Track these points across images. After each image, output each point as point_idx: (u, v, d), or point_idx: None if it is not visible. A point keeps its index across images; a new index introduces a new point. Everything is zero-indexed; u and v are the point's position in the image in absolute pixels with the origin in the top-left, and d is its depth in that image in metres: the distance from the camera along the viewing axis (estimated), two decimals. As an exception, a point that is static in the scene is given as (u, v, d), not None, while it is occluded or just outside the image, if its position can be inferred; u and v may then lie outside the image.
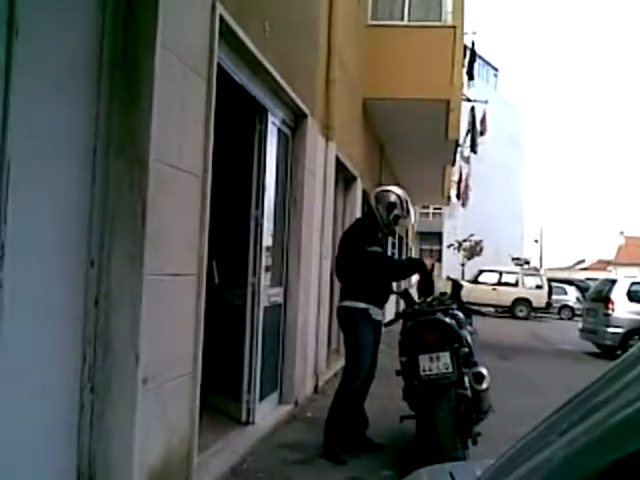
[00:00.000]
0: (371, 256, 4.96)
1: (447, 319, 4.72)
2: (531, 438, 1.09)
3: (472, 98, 18.57)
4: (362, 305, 4.97)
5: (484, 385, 4.56)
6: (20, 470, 2.62)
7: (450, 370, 4.48)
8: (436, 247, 50.76)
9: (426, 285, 5.26)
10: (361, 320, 4.97)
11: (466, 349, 4.61)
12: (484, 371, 4.58)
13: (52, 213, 2.80)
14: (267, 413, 5.79)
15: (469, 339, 4.78)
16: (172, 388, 3.47)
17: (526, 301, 25.13)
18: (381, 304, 5.12)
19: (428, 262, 5.20)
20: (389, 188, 5.44)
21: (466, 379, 4.55)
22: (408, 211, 5.18)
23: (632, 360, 1.02)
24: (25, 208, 2.57)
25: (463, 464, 1.51)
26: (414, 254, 29.68)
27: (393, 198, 5.12)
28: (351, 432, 5.15)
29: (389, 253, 14.37)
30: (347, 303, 5.07)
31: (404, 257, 15.82)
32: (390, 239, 15.82)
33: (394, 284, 5.83)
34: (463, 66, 13.52)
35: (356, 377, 4.94)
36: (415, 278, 5.75)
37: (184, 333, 3.66)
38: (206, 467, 4.20)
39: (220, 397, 5.72)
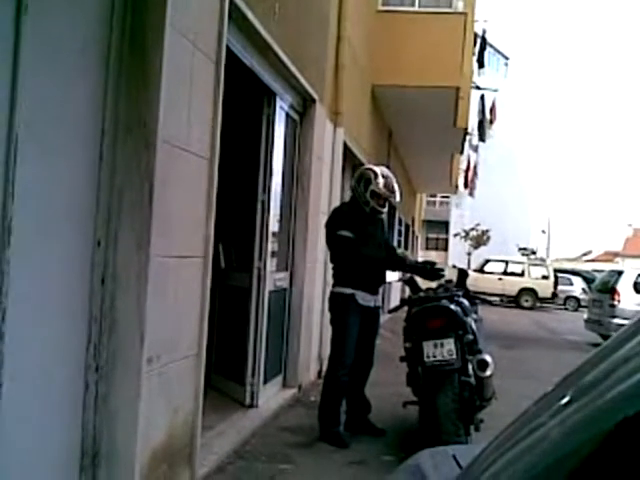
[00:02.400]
0: (339, 240, 4.95)
1: (452, 306, 4.72)
2: (522, 421, 1.10)
3: (482, 86, 18.45)
4: (348, 291, 4.95)
5: (488, 372, 4.56)
6: (25, 447, 2.64)
7: (454, 357, 4.49)
8: (443, 236, 50.70)
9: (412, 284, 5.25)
10: (346, 306, 4.94)
11: (471, 336, 4.61)
12: (488, 358, 4.58)
13: (59, 192, 2.80)
14: (271, 396, 5.83)
15: (474, 327, 4.78)
16: (177, 369, 3.49)
17: (532, 291, 25.13)
18: (372, 289, 5.07)
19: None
20: (368, 166, 5.43)
21: (470, 366, 4.56)
22: (387, 186, 5.01)
23: (617, 343, 1.03)
24: (32, 186, 2.58)
25: (466, 447, 1.52)
26: (420, 243, 29.60)
27: (370, 175, 5.05)
28: (351, 416, 5.18)
29: (395, 240, 14.33)
30: (334, 289, 5.07)
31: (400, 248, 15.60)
32: (397, 227, 15.82)
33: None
34: (473, 54, 13.42)
35: (340, 363, 4.94)
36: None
37: (189, 315, 3.67)
38: (209, 448, 4.23)
39: (224, 379, 5.76)
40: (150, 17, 3.11)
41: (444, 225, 49.98)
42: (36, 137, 2.58)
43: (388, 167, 6.15)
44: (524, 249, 43.15)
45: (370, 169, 5.17)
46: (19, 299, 2.50)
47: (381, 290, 5.46)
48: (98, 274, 3.05)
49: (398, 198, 5.22)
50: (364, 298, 4.99)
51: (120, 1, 3.07)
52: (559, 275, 26.58)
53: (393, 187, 5.07)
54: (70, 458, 2.98)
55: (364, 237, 4.96)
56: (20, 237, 2.48)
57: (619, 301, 13.21)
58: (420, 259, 5.54)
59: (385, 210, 5.24)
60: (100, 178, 3.05)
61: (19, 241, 2.47)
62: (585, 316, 15.02)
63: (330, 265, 5.34)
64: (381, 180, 5.00)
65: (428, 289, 5.19)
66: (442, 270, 5.27)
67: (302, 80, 5.88)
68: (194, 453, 3.75)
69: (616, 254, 57.47)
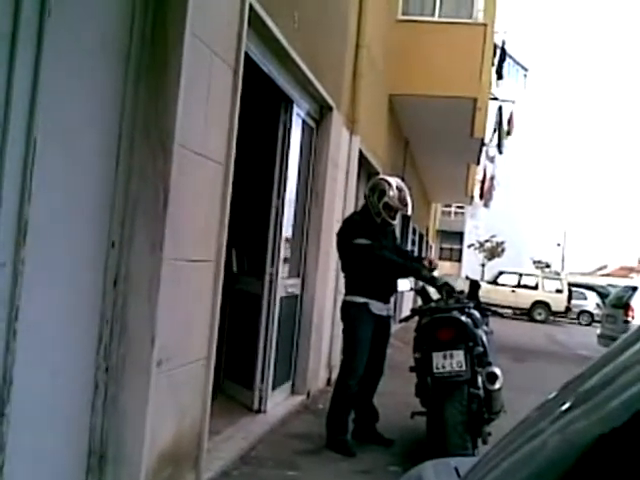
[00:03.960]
0: (357, 249, 4.93)
1: (463, 317, 4.70)
2: (521, 428, 1.10)
3: (500, 97, 18.40)
4: (361, 300, 4.94)
5: (497, 385, 4.55)
6: (32, 446, 2.66)
7: (463, 368, 4.47)
8: (457, 246, 50.50)
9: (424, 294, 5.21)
10: (359, 315, 4.94)
11: (481, 348, 4.60)
12: (498, 371, 4.57)
13: (75, 193, 2.83)
14: (279, 403, 5.83)
15: (484, 339, 4.77)
16: (186, 372, 3.50)
17: (545, 305, 24.98)
18: (385, 298, 5.07)
19: (426, 261, 5.18)
20: (384, 177, 5.41)
21: (479, 378, 4.54)
22: (401, 200, 5.02)
23: (618, 350, 1.03)
24: (49, 187, 2.61)
25: (468, 459, 1.52)
26: (434, 253, 29.51)
27: (385, 186, 5.04)
28: (359, 425, 5.17)
29: (409, 248, 14.33)
30: (347, 298, 5.07)
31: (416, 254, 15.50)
32: (411, 236, 15.80)
33: (409, 280, 5.77)
34: (493, 65, 13.40)
35: (351, 372, 4.93)
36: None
37: (200, 318, 3.69)
38: (216, 452, 4.24)
39: (233, 384, 5.77)
40: (170, 22, 3.14)
41: (458, 236, 49.77)
42: (54, 138, 2.61)
43: (402, 178, 6.16)
44: (538, 262, 42.97)
45: (385, 180, 5.17)
46: (33, 298, 2.52)
47: (392, 299, 5.45)
48: (111, 276, 3.08)
49: (410, 211, 5.23)
50: (377, 307, 4.99)
51: (141, 5, 3.11)
52: (573, 289, 26.41)
53: (406, 200, 5.07)
54: (77, 458, 2.99)
55: (379, 244, 4.97)
56: (35, 237, 2.50)
57: (633, 317, 13.09)
58: (436, 273, 5.47)
59: (395, 222, 5.24)
60: (116, 180, 3.07)
61: (34, 241, 2.50)
62: (598, 331, 14.90)
63: (342, 273, 5.35)
64: (395, 192, 5.00)
65: (439, 300, 5.18)
66: (453, 290, 5.20)
67: (319, 87, 5.90)
68: (200, 457, 3.76)
69: (631, 269, 56.96)
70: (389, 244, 5.20)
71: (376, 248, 4.89)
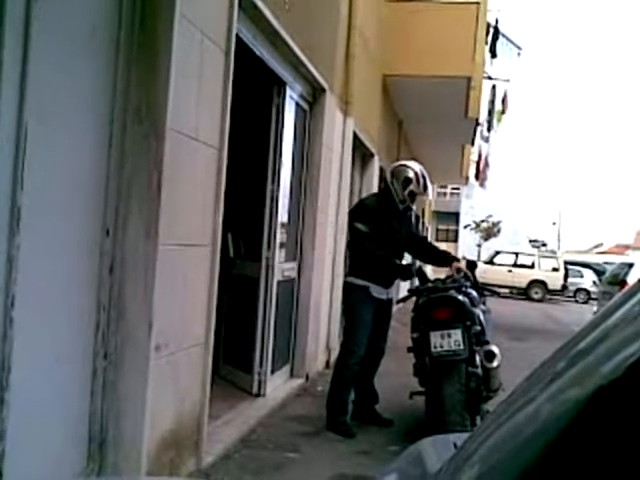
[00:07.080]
0: (354, 232, 5.01)
1: (460, 296, 4.71)
2: (514, 398, 1.10)
3: (494, 76, 18.32)
4: (362, 283, 4.96)
5: (495, 363, 4.57)
6: (33, 433, 2.67)
7: (461, 347, 4.49)
8: (453, 227, 50.53)
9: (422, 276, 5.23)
10: (359, 298, 4.96)
11: (478, 327, 4.61)
12: (495, 349, 4.59)
13: (68, 180, 2.81)
14: (278, 386, 5.85)
15: (482, 318, 4.78)
16: (184, 357, 3.51)
17: (542, 283, 25.02)
18: (385, 283, 5.06)
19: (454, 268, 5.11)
20: (406, 163, 5.34)
21: (477, 357, 4.56)
22: (425, 187, 5.08)
23: (603, 317, 1.04)
24: (41, 174, 2.59)
25: (467, 435, 1.53)
26: (430, 234, 29.51)
27: (409, 174, 5.03)
28: (358, 406, 5.19)
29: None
30: (349, 279, 5.10)
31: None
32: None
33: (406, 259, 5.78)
34: (486, 44, 13.33)
35: (351, 353, 4.94)
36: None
37: (197, 303, 3.69)
38: (216, 436, 4.26)
39: (232, 368, 5.78)
40: (160, 4, 3.11)
41: (454, 216, 49.74)
42: (45, 124, 2.59)
43: (411, 159, 6.14)
44: (535, 241, 42.98)
45: (411, 168, 5.11)
46: (28, 286, 2.52)
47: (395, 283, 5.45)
48: (106, 262, 3.07)
49: (431, 196, 5.29)
50: (377, 291, 4.99)
51: (130, -11, 3.07)
52: (569, 267, 26.46)
53: (427, 186, 5.13)
54: (78, 444, 3.00)
55: (384, 233, 4.94)
56: (29, 224, 2.49)
57: (629, 294, 13.12)
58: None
59: (414, 206, 5.34)
60: (109, 166, 3.06)
61: (28, 228, 2.49)
62: (595, 309, 14.99)
63: (340, 256, 5.37)
64: (421, 181, 5.04)
65: (436, 280, 5.19)
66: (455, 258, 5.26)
67: (312, 69, 5.86)
68: (201, 441, 3.77)
69: (627, 246, 57.10)
70: (403, 230, 5.15)
71: (371, 238, 4.88)
